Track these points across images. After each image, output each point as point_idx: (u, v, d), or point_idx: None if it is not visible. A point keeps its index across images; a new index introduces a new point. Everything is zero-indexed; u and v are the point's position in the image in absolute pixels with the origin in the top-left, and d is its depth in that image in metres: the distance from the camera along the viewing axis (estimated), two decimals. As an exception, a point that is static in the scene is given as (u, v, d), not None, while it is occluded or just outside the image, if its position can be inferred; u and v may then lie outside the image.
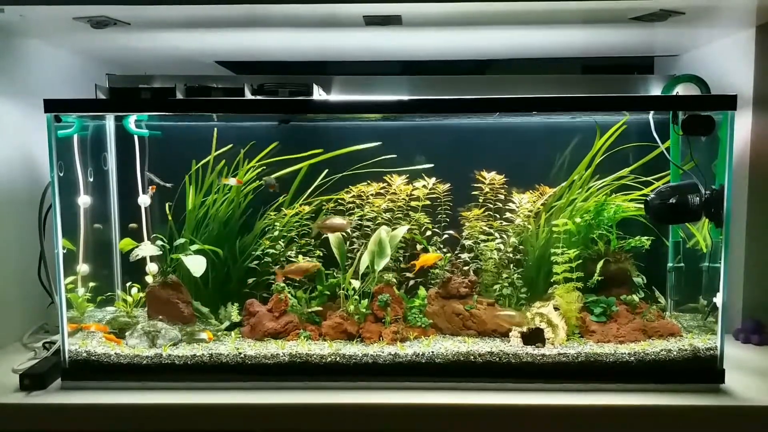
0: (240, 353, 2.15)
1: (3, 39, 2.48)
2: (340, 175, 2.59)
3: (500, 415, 1.97)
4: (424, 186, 2.56)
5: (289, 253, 2.55)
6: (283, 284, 2.42)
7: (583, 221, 2.46)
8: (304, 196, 2.61)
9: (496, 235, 2.55)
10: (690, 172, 2.28)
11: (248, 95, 2.18)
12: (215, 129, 2.57)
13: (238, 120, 2.62)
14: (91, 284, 2.59)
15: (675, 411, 1.96)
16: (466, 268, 2.50)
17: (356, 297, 2.37)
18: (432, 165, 2.59)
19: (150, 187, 2.61)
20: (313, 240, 2.59)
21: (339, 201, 2.60)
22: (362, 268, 2.41)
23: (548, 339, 2.18)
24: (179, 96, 2.14)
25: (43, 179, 2.36)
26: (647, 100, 2.32)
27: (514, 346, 2.19)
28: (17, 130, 2.55)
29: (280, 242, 2.57)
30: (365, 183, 2.58)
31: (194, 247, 2.47)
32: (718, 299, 2.11)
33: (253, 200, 2.62)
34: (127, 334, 2.27)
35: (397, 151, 2.58)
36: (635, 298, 2.40)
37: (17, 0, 2.10)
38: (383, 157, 2.56)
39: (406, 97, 2.11)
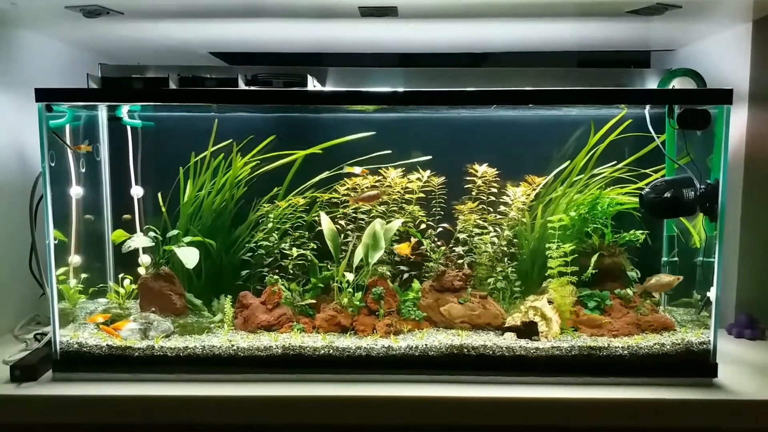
0: (233, 345, 2.14)
1: (-6, 28, 2.46)
2: (335, 169, 2.58)
3: (493, 408, 1.97)
4: (418, 179, 2.55)
5: (282, 245, 2.54)
6: (276, 277, 2.41)
7: (577, 215, 2.46)
8: (298, 189, 2.60)
9: (490, 228, 2.54)
10: (685, 167, 2.28)
11: (242, 86, 2.16)
12: (215, 119, 2.56)
13: (231, 111, 2.60)
14: (83, 275, 2.57)
15: (668, 404, 1.96)
16: (460, 261, 2.49)
17: (350, 290, 2.36)
18: (428, 158, 2.58)
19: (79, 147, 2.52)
20: (307, 233, 2.58)
21: (333, 191, 2.59)
22: (356, 261, 2.40)
23: (542, 332, 2.18)
24: (172, 86, 2.13)
25: (35, 169, 2.34)
26: (643, 94, 2.31)
27: (507, 339, 2.19)
28: (9, 120, 2.52)
29: (273, 234, 2.56)
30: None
31: (187, 238, 2.46)
32: (712, 294, 2.11)
33: (246, 192, 2.61)
34: (119, 325, 2.26)
35: (393, 144, 2.57)
36: (629, 292, 2.40)
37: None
38: (380, 153, 2.55)
39: (401, 89, 2.10)
